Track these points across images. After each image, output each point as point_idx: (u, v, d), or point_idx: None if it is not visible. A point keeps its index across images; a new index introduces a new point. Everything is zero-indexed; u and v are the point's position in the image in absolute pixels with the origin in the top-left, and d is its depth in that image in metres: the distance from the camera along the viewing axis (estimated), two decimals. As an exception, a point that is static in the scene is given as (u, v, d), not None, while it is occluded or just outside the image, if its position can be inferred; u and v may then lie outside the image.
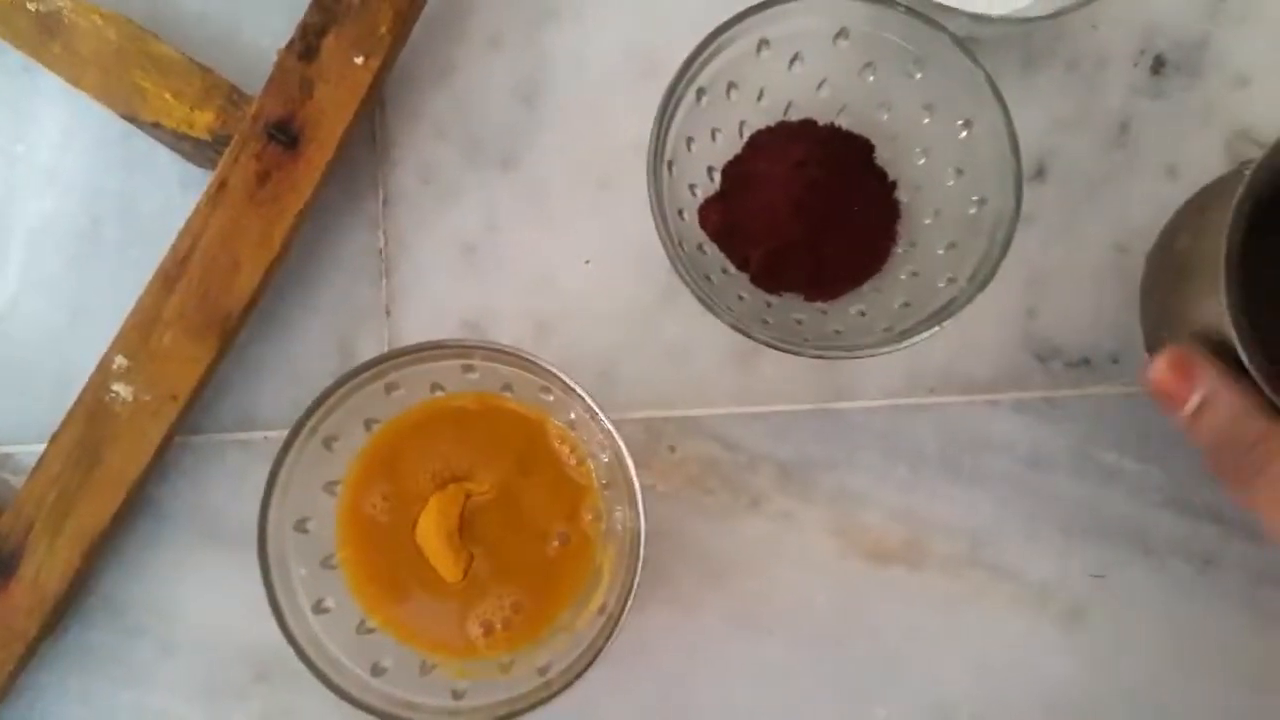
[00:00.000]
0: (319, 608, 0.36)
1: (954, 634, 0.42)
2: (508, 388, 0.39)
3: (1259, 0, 0.44)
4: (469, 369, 0.38)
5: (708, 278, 0.39)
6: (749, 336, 0.37)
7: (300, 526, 0.37)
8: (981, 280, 0.37)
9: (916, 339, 0.37)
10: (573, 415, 0.38)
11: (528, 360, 0.35)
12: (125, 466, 0.40)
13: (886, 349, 0.37)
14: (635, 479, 0.35)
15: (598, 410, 0.36)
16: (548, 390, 0.38)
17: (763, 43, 0.39)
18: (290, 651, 0.42)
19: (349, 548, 0.38)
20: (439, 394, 0.39)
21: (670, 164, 0.38)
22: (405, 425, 0.39)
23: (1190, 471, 0.42)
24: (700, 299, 0.37)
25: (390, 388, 0.37)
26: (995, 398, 0.43)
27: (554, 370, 0.35)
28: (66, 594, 0.40)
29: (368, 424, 0.38)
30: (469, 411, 0.39)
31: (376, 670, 0.36)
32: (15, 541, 0.40)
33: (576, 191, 0.44)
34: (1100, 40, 0.43)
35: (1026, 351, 0.43)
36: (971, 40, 0.38)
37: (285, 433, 0.42)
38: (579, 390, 0.35)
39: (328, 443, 0.37)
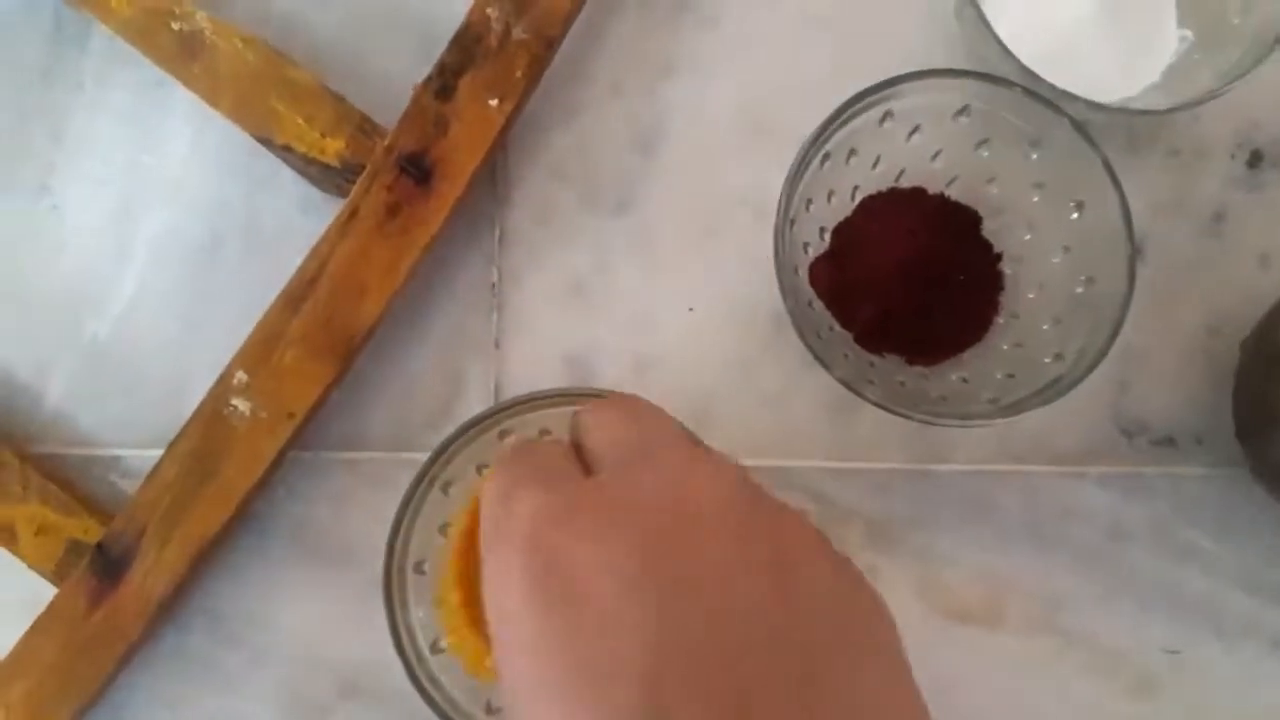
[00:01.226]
0: (436, 648, 0.37)
1: (1026, 696, 0.43)
2: (545, 432, 0.40)
3: (1354, 102, 0.45)
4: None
5: (816, 334, 0.41)
6: (859, 395, 0.38)
7: (418, 569, 0.38)
8: (1090, 362, 0.38)
9: (1022, 413, 0.38)
10: None
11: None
12: (238, 480, 0.41)
13: (992, 421, 0.38)
14: None
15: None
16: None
17: (888, 114, 0.40)
18: (376, 669, 0.44)
19: (459, 591, 0.39)
20: (546, 440, 0.40)
21: (792, 222, 0.40)
22: None
23: (1264, 554, 0.44)
24: (814, 353, 0.38)
25: (503, 434, 0.38)
26: (1082, 470, 0.44)
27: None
28: (171, 600, 0.41)
29: (479, 469, 0.39)
30: None
31: (491, 710, 0.37)
32: (127, 544, 0.41)
33: (684, 239, 0.45)
34: (1201, 131, 0.45)
35: (1114, 426, 0.44)
36: (1082, 124, 0.39)
37: (392, 455, 0.44)
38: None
39: (445, 488, 0.38)
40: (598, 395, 0.37)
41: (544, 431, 0.39)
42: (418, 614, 0.38)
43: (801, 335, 0.38)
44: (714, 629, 0.23)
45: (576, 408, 0.38)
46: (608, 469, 0.27)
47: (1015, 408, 0.38)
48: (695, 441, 0.30)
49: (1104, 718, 0.43)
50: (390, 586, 0.37)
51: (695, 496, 0.25)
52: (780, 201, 0.38)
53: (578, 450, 0.29)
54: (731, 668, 0.22)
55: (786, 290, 0.39)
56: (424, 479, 0.37)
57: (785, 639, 0.23)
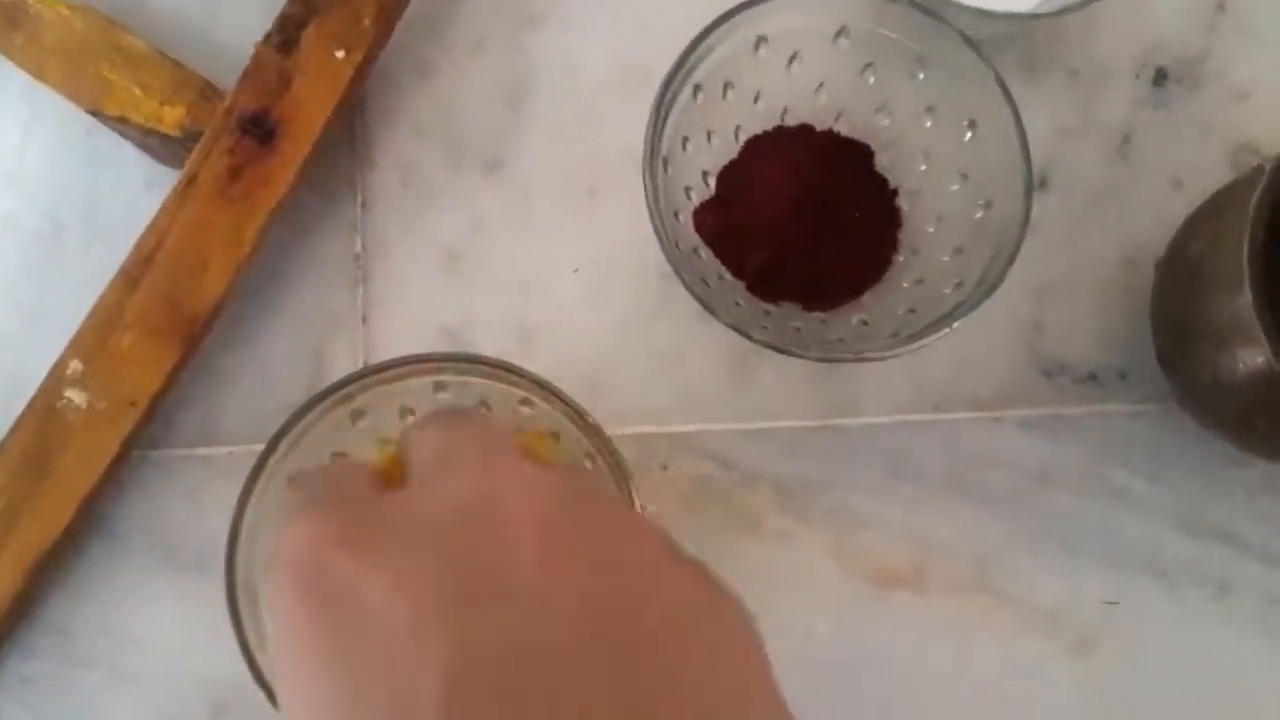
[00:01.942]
0: None
1: (960, 662, 0.40)
2: (484, 404, 0.36)
3: (1257, 16, 0.43)
4: (440, 387, 0.35)
5: (704, 282, 0.38)
6: (748, 338, 0.35)
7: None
8: (990, 285, 0.35)
9: (923, 342, 0.35)
10: (557, 429, 0.36)
11: (507, 369, 0.33)
12: (77, 479, 0.37)
13: (892, 353, 0.35)
14: (634, 489, 0.33)
15: (587, 415, 0.33)
16: (528, 403, 0.35)
17: (760, 40, 0.37)
18: (252, 686, 0.40)
19: None
20: (409, 419, 0.36)
21: (666, 162, 0.37)
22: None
23: (1201, 490, 0.41)
24: (698, 298, 0.35)
25: (356, 415, 0.35)
26: (1001, 414, 0.41)
27: (536, 377, 0.33)
28: (7, 619, 0.37)
29: (333, 458, 0.36)
30: None
31: None
32: (-47, 559, 0.37)
33: (564, 197, 0.42)
34: (1101, 50, 0.43)
35: (1033, 367, 0.41)
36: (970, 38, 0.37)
37: (250, 448, 0.40)
38: (564, 397, 0.33)
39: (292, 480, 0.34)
40: (463, 358, 0.34)
41: (405, 410, 0.36)
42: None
43: (685, 284, 0.35)
44: (523, 653, 0.19)
45: (438, 378, 0.35)
46: (414, 481, 0.24)
47: (914, 338, 0.35)
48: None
49: (1044, 679, 0.40)
50: (236, 606, 0.33)
51: (503, 503, 0.22)
52: (647, 134, 0.35)
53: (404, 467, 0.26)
54: (546, 698, 0.19)
55: (664, 235, 0.36)
56: (262, 472, 0.33)
57: (613, 657, 0.20)
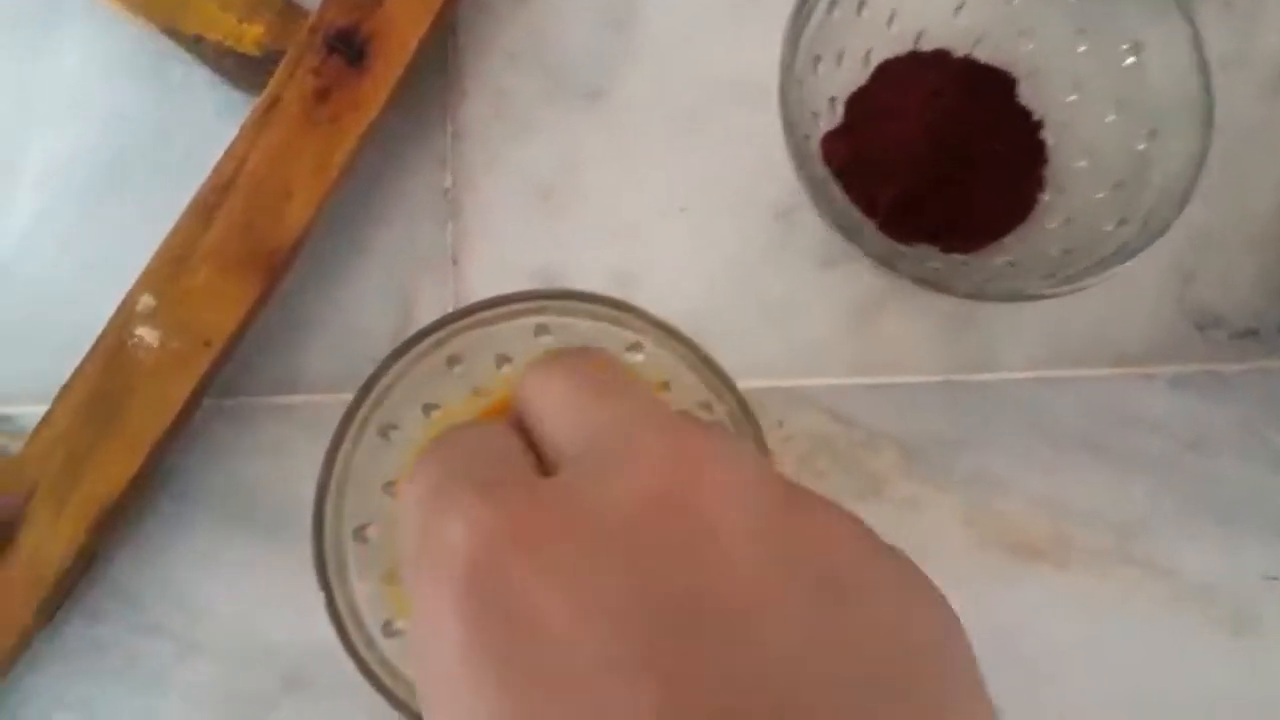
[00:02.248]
0: (389, 629, 0.30)
1: (1101, 640, 0.37)
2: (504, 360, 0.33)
3: None
4: (542, 330, 0.32)
5: (836, 217, 0.34)
6: (892, 269, 0.31)
7: (359, 535, 0.31)
8: (1159, 226, 0.32)
9: (1090, 282, 0.32)
10: (668, 378, 0.32)
11: (620, 308, 0.30)
12: (147, 425, 0.34)
13: (1054, 292, 0.32)
14: (765, 436, 0.29)
15: (709, 359, 0.30)
16: (637, 348, 0.32)
17: (902, -50, 0.34)
18: (326, 657, 0.36)
19: None
20: (506, 368, 0.33)
21: (799, 82, 0.33)
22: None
23: (1370, 459, 0.37)
24: (838, 227, 0.31)
25: (452, 361, 0.31)
26: (1149, 371, 0.38)
27: (653, 316, 0.30)
28: (70, 577, 0.34)
29: (426, 409, 0.32)
30: None
31: None
32: (11, 510, 0.33)
33: (669, 129, 0.39)
34: (1259, -24, 0.39)
35: (1184, 320, 0.38)
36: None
37: (332, 397, 0.37)
38: (683, 337, 0.30)
39: (384, 432, 0.31)
40: (572, 297, 0.30)
41: (501, 359, 0.32)
42: (362, 590, 0.30)
43: (823, 211, 0.32)
44: (745, 691, 0.16)
45: (540, 320, 0.31)
46: (570, 465, 0.19)
47: (1076, 278, 0.32)
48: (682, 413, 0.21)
49: (1197, 659, 0.36)
50: (324, 560, 0.29)
51: (703, 499, 0.18)
52: (784, 48, 0.32)
53: (525, 433, 0.21)
54: None
55: (799, 158, 0.32)
56: (352, 422, 0.30)
57: (841, 690, 0.16)
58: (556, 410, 0.21)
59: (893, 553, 0.19)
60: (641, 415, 0.20)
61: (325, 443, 0.37)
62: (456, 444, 0.20)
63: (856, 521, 0.19)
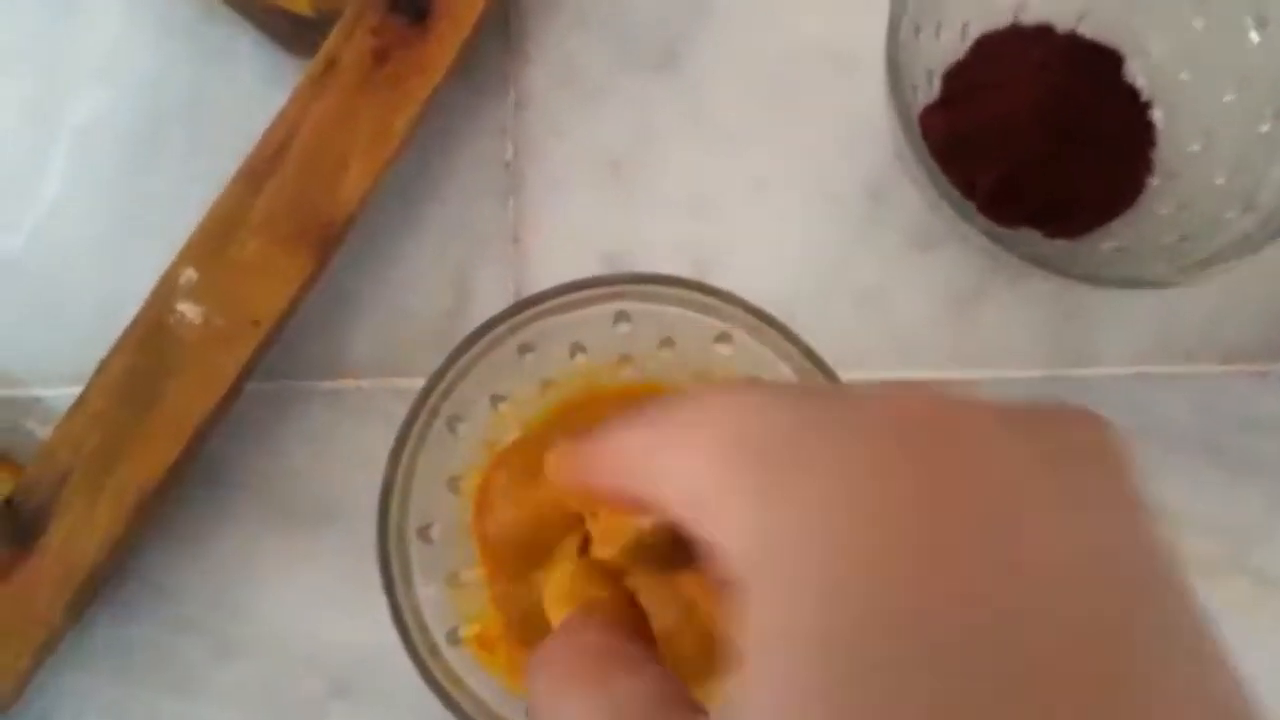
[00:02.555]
0: (453, 637, 0.28)
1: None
2: (668, 343, 0.30)
3: None
4: (622, 318, 0.29)
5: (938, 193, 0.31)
6: (1005, 249, 0.29)
7: (424, 535, 0.28)
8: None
9: (1222, 268, 0.29)
10: (760, 373, 0.30)
11: (706, 292, 0.27)
12: (188, 407, 0.31)
13: (1176, 280, 0.29)
14: None
15: (810, 351, 0.27)
16: (726, 338, 0.29)
17: (1012, -92, 0.31)
18: (375, 660, 0.34)
19: (483, 566, 0.29)
20: (579, 359, 0.30)
21: (902, 48, 0.31)
22: (543, 424, 0.30)
23: None
24: (949, 200, 0.29)
25: (524, 349, 0.29)
26: (1265, 368, 0.35)
27: (747, 303, 0.27)
28: (102, 571, 0.31)
29: (494, 400, 0.30)
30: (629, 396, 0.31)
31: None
32: (42, 497, 0.31)
33: (748, 99, 0.36)
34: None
35: (1302, 313, 0.35)
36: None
37: (382, 382, 0.35)
38: (780, 325, 0.27)
39: (451, 424, 0.29)
40: (653, 281, 0.28)
41: (576, 347, 0.30)
42: (427, 593, 0.28)
43: (928, 184, 0.29)
44: None
45: (619, 306, 0.29)
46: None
47: (1199, 268, 0.29)
48: None
49: (1320, 682, 0.33)
50: (388, 559, 0.27)
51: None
52: (891, 13, 0.29)
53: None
54: None
55: (904, 129, 0.29)
56: (420, 413, 0.27)
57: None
58: (711, 499, 0.15)
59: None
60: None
61: (374, 429, 0.34)
62: (567, 641, 0.18)
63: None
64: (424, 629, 0.27)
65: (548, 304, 0.28)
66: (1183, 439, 0.34)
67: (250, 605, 0.34)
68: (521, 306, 0.27)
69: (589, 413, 0.30)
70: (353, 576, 0.34)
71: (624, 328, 0.29)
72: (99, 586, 0.32)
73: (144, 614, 0.34)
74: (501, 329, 0.27)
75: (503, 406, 0.30)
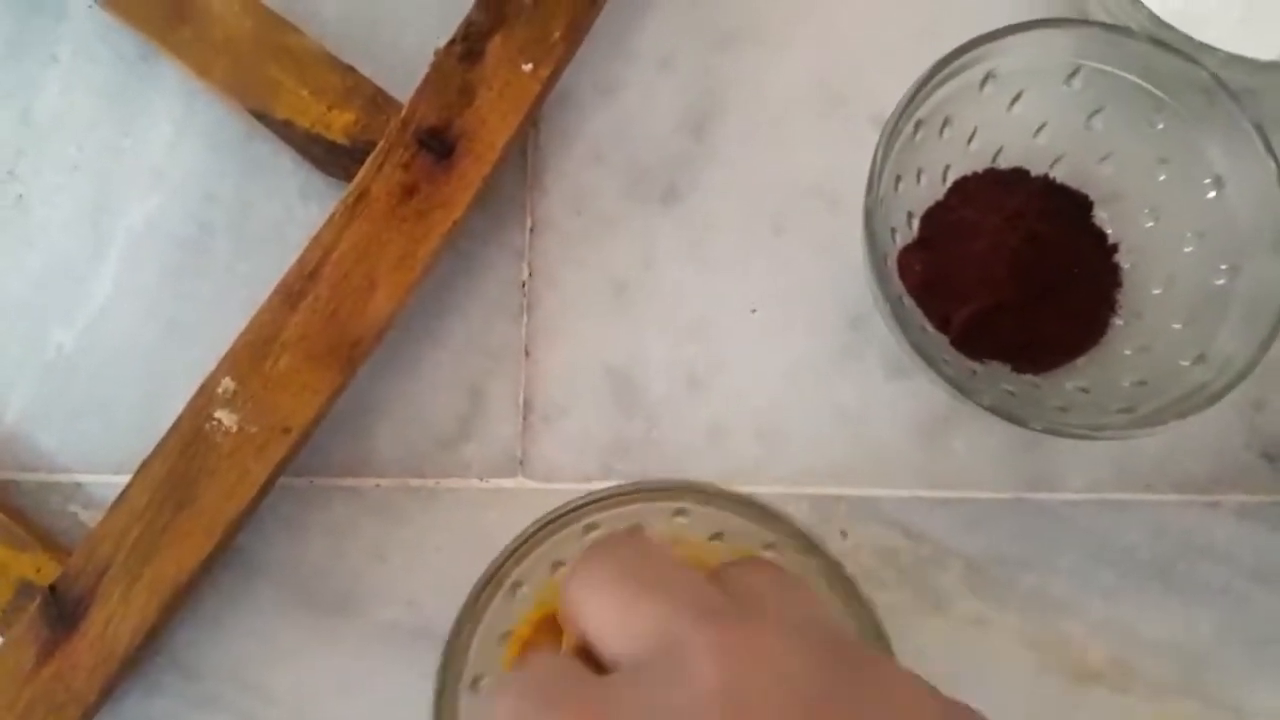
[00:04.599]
0: None
1: (1161, 774, 0.36)
2: (718, 536, 0.32)
3: None
4: (681, 512, 0.32)
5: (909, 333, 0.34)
6: (968, 398, 0.32)
7: (474, 685, 0.30)
8: (1244, 365, 0.32)
9: (1164, 424, 0.31)
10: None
11: (761, 511, 0.30)
12: (222, 507, 0.34)
13: (1129, 434, 0.32)
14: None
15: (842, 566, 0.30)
16: (772, 547, 0.31)
17: (989, 76, 0.34)
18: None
19: None
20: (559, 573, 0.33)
21: (881, 200, 0.34)
22: None
23: None
24: (915, 347, 0.32)
25: (589, 529, 0.31)
26: (1216, 499, 0.37)
27: (795, 524, 0.29)
28: (138, 653, 0.34)
29: (554, 566, 0.32)
30: None
31: None
32: (84, 586, 0.34)
33: (745, 233, 0.39)
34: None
35: (1252, 450, 0.38)
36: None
37: (400, 481, 0.37)
38: (823, 552, 0.29)
39: (514, 589, 0.31)
40: (717, 493, 0.30)
41: (636, 529, 0.32)
42: None
43: (899, 331, 0.32)
44: None
45: (680, 504, 0.31)
46: (624, 672, 0.21)
47: (1154, 418, 0.32)
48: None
49: (1260, 801, 0.36)
50: (440, 708, 0.29)
51: (752, 703, 0.19)
52: (873, 170, 0.32)
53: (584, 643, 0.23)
54: None
55: (879, 279, 0.32)
56: (492, 579, 0.30)
57: None
58: (600, 616, 0.22)
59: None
60: (681, 611, 0.21)
61: (391, 525, 0.37)
62: (529, 672, 0.22)
63: (913, 687, 0.20)
64: None
65: (607, 501, 0.30)
66: (1138, 564, 0.37)
67: (270, 685, 0.37)
68: (593, 499, 0.30)
69: None
70: (367, 660, 0.37)
71: (682, 520, 0.31)
72: (134, 667, 0.35)
73: (170, 690, 0.36)
74: (570, 515, 0.30)
75: (559, 571, 0.32)
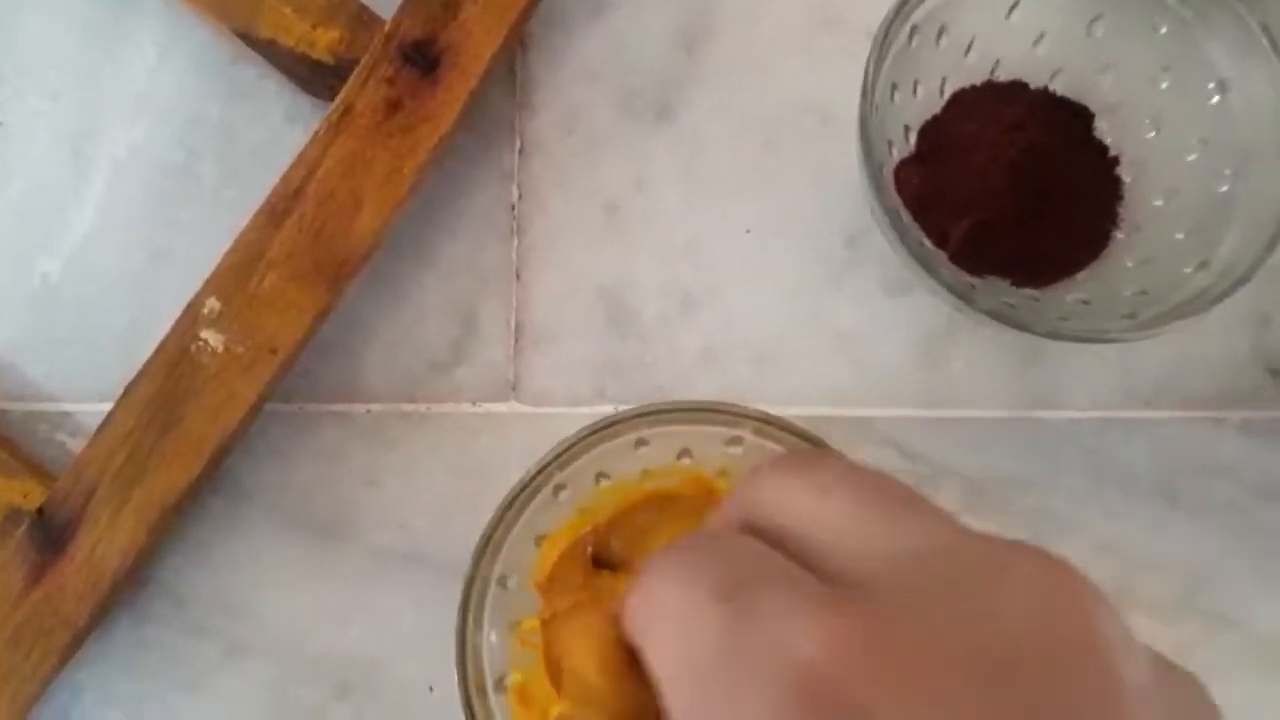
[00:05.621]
0: (500, 684, 0.29)
1: (1163, 693, 0.36)
2: (685, 453, 0.31)
3: None
4: (734, 441, 0.30)
5: (908, 247, 0.34)
6: (968, 304, 0.31)
7: (501, 581, 0.30)
8: (1245, 270, 0.31)
9: (1165, 329, 0.31)
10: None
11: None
12: (209, 429, 0.34)
13: (1135, 335, 0.31)
14: None
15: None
16: (736, 441, 0.31)
17: (987, -21, 0.33)
18: (375, 667, 0.36)
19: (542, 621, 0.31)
20: (685, 461, 0.32)
21: (877, 108, 0.33)
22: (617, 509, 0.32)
23: None
24: (916, 258, 0.31)
25: (639, 444, 0.30)
26: (1220, 415, 0.37)
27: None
28: (127, 577, 0.34)
29: (598, 477, 0.32)
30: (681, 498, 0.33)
31: None
32: (71, 510, 0.33)
33: (738, 152, 0.38)
34: None
35: (1257, 365, 0.37)
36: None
37: (391, 407, 0.37)
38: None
39: (556, 491, 0.30)
40: (766, 419, 0.29)
41: (683, 452, 0.32)
42: (490, 638, 0.30)
43: (898, 241, 0.31)
44: None
45: (736, 431, 0.30)
46: (875, 579, 0.18)
47: (1155, 322, 0.31)
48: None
49: (1265, 715, 0.35)
50: (469, 597, 0.29)
51: (1101, 644, 0.17)
52: (866, 76, 0.31)
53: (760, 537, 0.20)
54: None
55: (875, 188, 0.32)
56: (535, 479, 0.29)
57: None
58: (839, 523, 0.19)
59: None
60: (970, 539, 0.19)
61: (381, 450, 0.37)
62: (714, 550, 0.19)
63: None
64: (480, 670, 0.29)
65: (665, 415, 0.29)
66: (1141, 482, 0.36)
67: (259, 611, 0.36)
68: (644, 412, 0.29)
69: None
70: (359, 585, 0.36)
71: (736, 449, 0.30)
72: (120, 594, 0.35)
73: (160, 617, 0.36)
74: (623, 425, 0.29)
75: (604, 483, 0.31)
